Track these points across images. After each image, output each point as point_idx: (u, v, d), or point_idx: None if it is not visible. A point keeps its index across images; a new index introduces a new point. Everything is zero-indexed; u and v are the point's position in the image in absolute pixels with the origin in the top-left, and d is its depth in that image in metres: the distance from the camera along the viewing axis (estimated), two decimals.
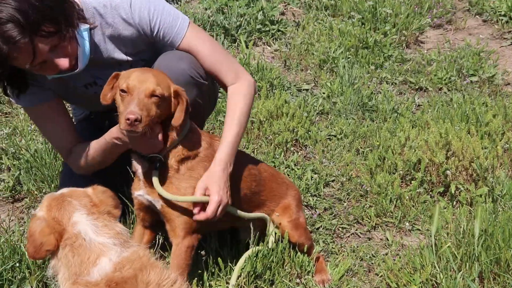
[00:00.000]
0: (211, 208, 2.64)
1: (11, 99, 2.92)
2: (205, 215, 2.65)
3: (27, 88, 2.76)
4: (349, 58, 5.71)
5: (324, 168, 4.09)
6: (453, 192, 3.76)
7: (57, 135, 2.99)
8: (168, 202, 2.68)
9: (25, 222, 3.40)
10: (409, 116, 4.75)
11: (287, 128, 4.38)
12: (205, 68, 2.91)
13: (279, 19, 6.40)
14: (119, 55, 2.89)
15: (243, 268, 2.92)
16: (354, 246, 3.44)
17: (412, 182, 3.86)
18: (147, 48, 2.93)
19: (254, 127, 4.42)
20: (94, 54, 2.78)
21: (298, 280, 3.07)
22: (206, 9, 6.42)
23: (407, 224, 3.63)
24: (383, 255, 3.38)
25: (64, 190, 2.29)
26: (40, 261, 2.86)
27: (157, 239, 2.95)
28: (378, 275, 3.22)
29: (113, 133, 2.72)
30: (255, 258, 2.94)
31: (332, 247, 3.43)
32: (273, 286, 3.02)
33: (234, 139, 2.81)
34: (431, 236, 3.12)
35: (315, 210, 3.70)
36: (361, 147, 4.37)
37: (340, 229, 3.61)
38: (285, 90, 5.14)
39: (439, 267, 2.98)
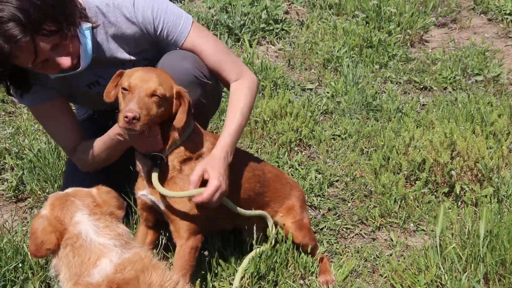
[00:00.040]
0: (209, 191, 2.58)
1: (13, 99, 2.92)
2: (201, 198, 2.58)
3: (30, 88, 2.75)
4: (353, 57, 5.69)
5: (328, 168, 4.07)
6: (458, 192, 3.74)
7: (60, 134, 2.99)
8: (172, 203, 2.67)
9: (28, 222, 3.39)
10: (414, 115, 4.73)
11: (291, 127, 4.37)
12: (208, 67, 2.90)
13: (283, 18, 6.38)
14: (122, 54, 2.88)
15: (246, 269, 2.90)
16: (358, 247, 3.43)
17: (417, 182, 3.84)
18: (150, 47, 2.93)
19: (258, 126, 4.41)
20: (97, 53, 2.77)
21: (302, 281, 3.05)
22: (209, 8, 6.40)
23: (412, 224, 3.61)
24: (388, 255, 3.36)
25: (69, 190, 2.29)
26: (43, 261, 2.86)
27: (161, 239, 2.94)
28: (382, 276, 3.20)
29: (116, 129, 2.72)
30: (258, 259, 2.92)
31: (336, 248, 3.41)
32: (277, 287, 3.00)
33: (237, 129, 2.79)
34: (435, 236, 3.11)
35: (319, 211, 3.69)
36: (365, 147, 4.35)
37: (344, 229, 3.60)
38: (289, 90, 5.12)
39: (444, 268, 2.97)
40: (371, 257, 3.35)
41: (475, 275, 2.92)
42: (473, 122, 4.41)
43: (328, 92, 5.13)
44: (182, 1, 6.73)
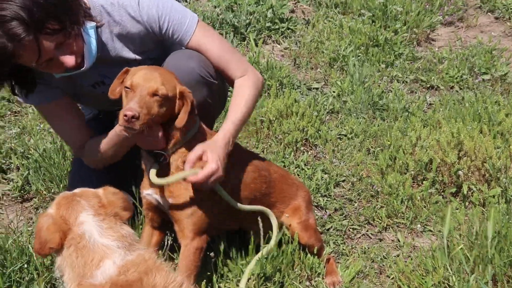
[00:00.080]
0: (205, 173, 2.53)
1: (18, 99, 2.92)
2: (195, 178, 2.53)
3: (34, 87, 2.75)
4: (359, 56, 5.66)
5: (335, 168, 4.05)
6: (465, 192, 3.72)
7: (66, 133, 3.01)
8: (177, 203, 2.65)
9: (33, 222, 3.39)
10: (421, 115, 4.70)
11: (297, 127, 4.35)
12: (214, 66, 2.89)
13: (289, 17, 6.36)
14: (127, 54, 2.87)
15: (253, 273, 2.88)
16: (365, 248, 3.40)
17: (424, 182, 3.82)
18: (155, 46, 2.92)
19: (263, 126, 4.39)
20: (102, 53, 2.76)
21: (308, 283, 3.03)
22: (215, 7, 6.39)
23: (419, 225, 3.58)
24: (395, 256, 3.34)
25: (77, 190, 2.29)
26: (48, 262, 2.85)
27: (166, 240, 2.92)
28: (389, 277, 3.18)
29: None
30: (264, 260, 2.90)
31: (343, 249, 3.39)
32: None
33: (240, 119, 2.77)
34: (443, 237, 3.07)
35: (325, 211, 3.67)
36: (371, 147, 4.33)
37: (350, 230, 3.58)
38: (295, 89, 5.10)
39: (451, 270, 2.94)
40: (378, 258, 3.33)
41: (483, 277, 2.88)
42: (481, 122, 4.37)
43: (334, 92, 5.11)
44: (188, 0, 6.72)
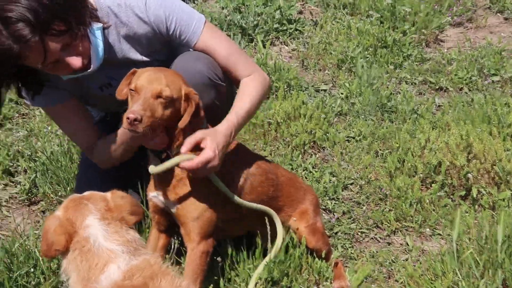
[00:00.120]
0: (201, 159, 2.49)
1: (25, 101, 2.92)
2: (190, 164, 2.50)
3: (41, 89, 2.76)
4: (367, 57, 5.63)
5: (343, 170, 4.02)
6: (475, 196, 3.68)
7: (74, 134, 3.02)
8: (183, 206, 2.64)
9: (40, 226, 3.38)
10: (429, 117, 4.66)
11: (304, 129, 4.32)
12: (221, 67, 2.87)
13: (297, 18, 6.34)
14: (135, 55, 2.86)
15: (260, 277, 2.86)
16: (373, 251, 3.38)
17: (433, 185, 3.78)
18: (162, 47, 2.91)
19: (271, 128, 4.37)
20: (109, 54, 2.76)
21: (316, 287, 3.01)
22: (223, 8, 6.38)
23: (428, 229, 3.55)
24: (403, 260, 3.31)
25: (86, 193, 2.28)
26: (55, 266, 2.85)
27: (173, 244, 2.91)
28: (398, 281, 3.15)
29: None
30: (272, 264, 2.88)
31: (351, 252, 3.37)
32: None
33: (244, 114, 2.75)
34: (452, 241, 3.04)
35: (333, 214, 3.64)
36: (380, 149, 4.29)
37: (359, 233, 3.55)
38: (303, 91, 5.08)
39: (461, 274, 2.91)
40: (386, 262, 3.30)
41: (493, 281, 2.85)
42: (490, 124, 4.33)
43: (342, 93, 5.08)
44: (196, 1, 6.71)
